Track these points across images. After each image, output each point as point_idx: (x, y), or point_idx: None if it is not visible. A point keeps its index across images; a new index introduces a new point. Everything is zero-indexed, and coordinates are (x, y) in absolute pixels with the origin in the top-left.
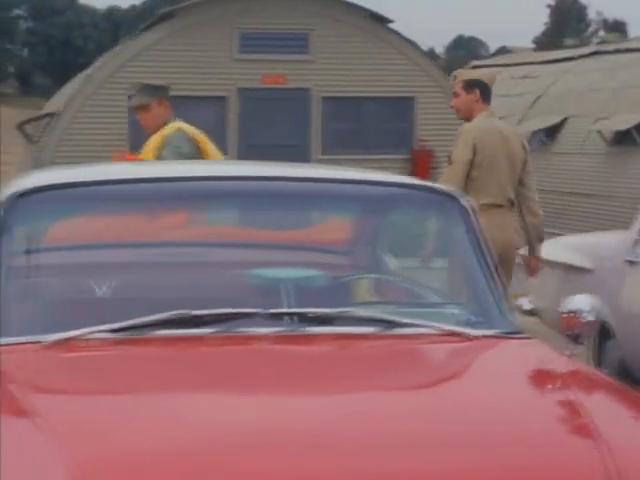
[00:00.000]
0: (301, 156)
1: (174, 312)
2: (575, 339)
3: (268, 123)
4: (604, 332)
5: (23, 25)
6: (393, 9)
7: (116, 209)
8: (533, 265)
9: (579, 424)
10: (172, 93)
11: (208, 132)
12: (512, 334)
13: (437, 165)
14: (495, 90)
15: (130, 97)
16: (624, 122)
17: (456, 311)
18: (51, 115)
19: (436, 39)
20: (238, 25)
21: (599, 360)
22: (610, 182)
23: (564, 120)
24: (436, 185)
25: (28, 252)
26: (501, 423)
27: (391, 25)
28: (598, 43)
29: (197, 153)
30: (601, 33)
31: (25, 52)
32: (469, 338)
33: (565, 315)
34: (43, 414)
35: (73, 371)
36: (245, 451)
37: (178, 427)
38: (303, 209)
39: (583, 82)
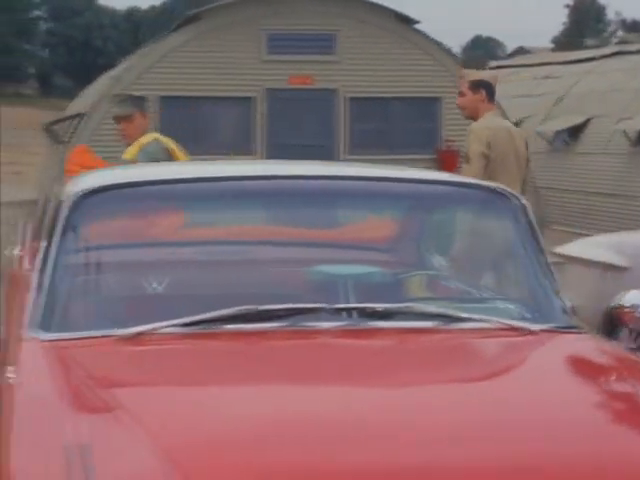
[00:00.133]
0: (327, 156)
1: (242, 307)
2: (632, 333)
3: (295, 123)
4: None
5: (43, 26)
6: (410, 9)
7: (176, 207)
8: None
9: None
10: (200, 94)
11: (236, 132)
12: (568, 328)
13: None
14: (516, 90)
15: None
16: None
17: (511, 306)
18: (79, 116)
19: (453, 39)
20: (265, 26)
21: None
22: (634, 182)
23: (587, 120)
24: (489, 183)
25: (92, 249)
26: (563, 415)
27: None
28: (617, 43)
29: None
30: (620, 33)
31: (45, 53)
32: (528, 332)
33: (626, 310)
34: (125, 405)
35: (147, 364)
36: (315, 441)
37: (251, 417)
38: (357, 207)
39: (605, 82)
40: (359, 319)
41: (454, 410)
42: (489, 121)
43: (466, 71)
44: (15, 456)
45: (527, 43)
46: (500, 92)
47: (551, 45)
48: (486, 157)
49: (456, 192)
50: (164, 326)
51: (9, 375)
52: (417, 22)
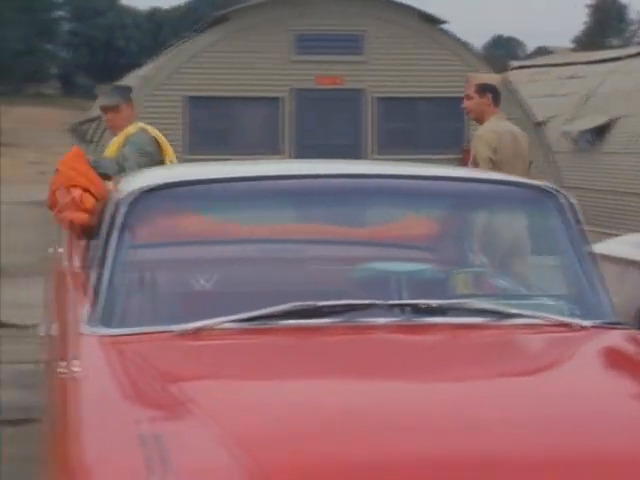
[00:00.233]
0: (355, 156)
1: (299, 303)
2: None
3: (322, 123)
4: None
5: (65, 26)
6: (430, 10)
7: (234, 206)
8: None
9: None
10: (228, 94)
11: (264, 132)
12: (616, 325)
13: None
14: (541, 90)
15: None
16: None
17: (560, 303)
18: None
19: (474, 39)
20: (293, 27)
21: None
22: None
23: (613, 120)
24: (533, 182)
25: (149, 247)
26: (615, 410)
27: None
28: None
29: (158, 153)
30: None
31: (67, 53)
32: (578, 328)
33: None
34: (193, 398)
35: (208, 358)
36: (377, 433)
37: (315, 410)
38: (404, 205)
39: (631, 82)
40: (412, 315)
41: (508, 404)
42: (495, 125)
43: (472, 75)
44: (89, 446)
45: (547, 43)
46: (525, 92)
47: (572, 45)
48: (493, 161)
49: (504, 190)
50: (223, 322)
51: (74, 369)
52: (444, 22)
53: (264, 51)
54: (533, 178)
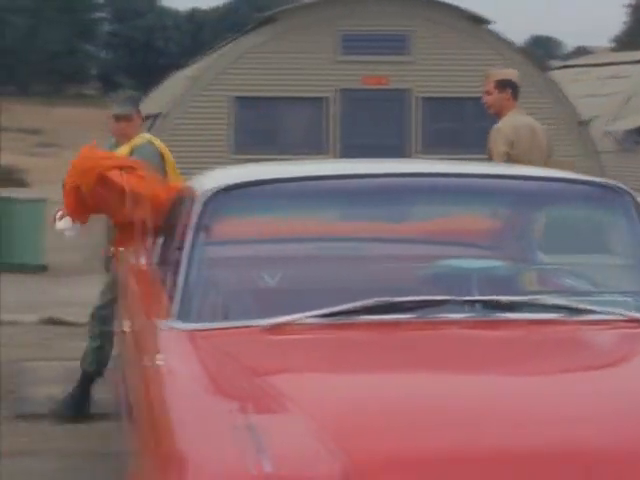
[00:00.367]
0: (401, 156)
1: (378, 299)
2: None
3: (368, 123)
4: None
5: (105, 27)
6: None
7: (305, 204)
8: None
9: None
10: (274, 94)
11: (309, 132)
12: None
13: None
14: (583, 90)
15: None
16: None
17: (629, 300)
18: (154, 116)
19: (512, 39)
20: (340, 27)
21: None
22: None
23: None
24: (601, 180)
25: (226, 244)
26: None
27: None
28: None
29: (162, 166)
30: None
31: (107, 54)
32: None
33: None
34: (280, 390)
35: (291, 352)
36: (459, 426)
37: (399, 402)
38: (474, 203)
39: None
40: (486, 311)
41: (583, 398)
42: (514, 119)
43: (491, 70)
44: (185, 437)
45: (586, 42)
46: (567, 92)
47: (611, 44)
48: (509, 155)
49: (569, 189)
50: (305, 317)
51: (160, 363)
52: (489, 22)
53: (310, 51)
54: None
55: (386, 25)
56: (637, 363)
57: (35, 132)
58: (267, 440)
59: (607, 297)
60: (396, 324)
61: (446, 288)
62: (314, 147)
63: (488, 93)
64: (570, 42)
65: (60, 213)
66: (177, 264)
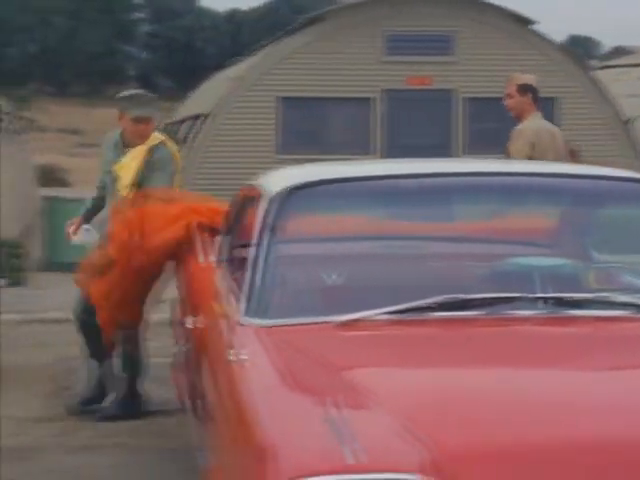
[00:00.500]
0: (445, 156)
1: (448, 296)
2: None
3: (412, 124)
4: None
5: (144, 28)
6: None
7: (373, 203)
8: None
9: None
10: (319, 95)
11: (354, 132)
12: None
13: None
14: (625, 90)
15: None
16: None
17: None
18: (199, 117)
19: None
20: (385, 28)
21: None
22: None
23: None
24: None
25: (299, 242)
26: None
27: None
28: None
29: (174, 171)
30: None
31: (146, 55)
32: None
33: None
34: (361, 384)
35: (366, 347)
36: (534, 416)
37: (474, 396)
38: (536, 202)
39: None
40: (555, 307)
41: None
42: (535, 122)
43: (513, 75)
44: (273, 430)
45: (624, 42)
46: (611, 92)
47: None
48: (528, 157)
49: (628, 187)
50: (377, 313)
51: (241, 357)
52: (534, 22)
53: (356, 52)
54: None
55: (431, 26)
56: None
57: (75, 132)
58: (355, 432)
59: None
60: (466, 321)
61: (512, 285)
62: (359, 147)
63: (510, 96)
64: (608, 42)
65: (73, 227)
66: (248, 262)
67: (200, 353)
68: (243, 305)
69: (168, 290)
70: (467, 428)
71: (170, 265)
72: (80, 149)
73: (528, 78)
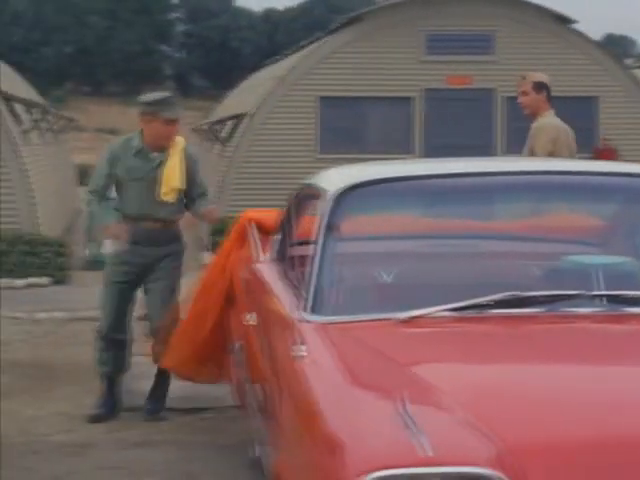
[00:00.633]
0: (485, 155)
1: (508, 293)
2: None
3: (452, 123)
4: None
5: (180, 28)
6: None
7: (431, 202)
8: None
9: None
10: (359, 94)
11: (394, 132)
12: None
13: None
14: None
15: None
16: None
17: None
18: (239, 116)
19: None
20: (424, 27)
21: None
22: None
23: None
24: None
25: (356, 240)
26: None
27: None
28: None
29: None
30: None
31: (182, 54)
32: None
33: None
34: (426, 379)
35: (428, 343)
36: (601, 412)
37: (539, 392)
38: (591, 201)
39: None
40: (613, 305)
41: None
42: (553, 119)
43: (528, 73)
44: (346, 424)
45: None
46: None
47: None
48: (551, 153)
49: None
50: (439, 310)
51: (306, 353)
52: (574, 21)
53: (395, 51)
54: None
55: (470, 25)
56: None
57: (112, 132)
58: (423, 427)
59: None
60: (525, 318)
61: (570, 283)
62: (399, 147)
63: (525, 94)
64: None
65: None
66: (310, 259)
67: (261, 350)
68: (305, 302)
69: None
70: (531, 423)
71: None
72: None
73: (542, 76)
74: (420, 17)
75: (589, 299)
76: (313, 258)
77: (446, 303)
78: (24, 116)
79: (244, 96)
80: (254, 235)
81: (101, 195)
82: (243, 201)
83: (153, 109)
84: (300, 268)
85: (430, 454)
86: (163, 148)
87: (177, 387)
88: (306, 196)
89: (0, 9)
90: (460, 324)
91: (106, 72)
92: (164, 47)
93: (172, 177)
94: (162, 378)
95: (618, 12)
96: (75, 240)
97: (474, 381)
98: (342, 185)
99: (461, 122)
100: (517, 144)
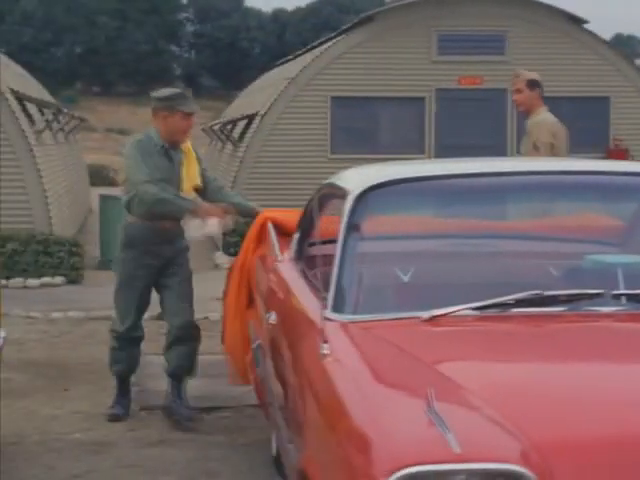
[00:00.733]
0: (497, 155)
1: (531, 292)
2: None
3: (464, 123)
4: None
5: (190, 28)
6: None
7: (452, 201)
8: None
9: None
10: (370, 94)
11: (405, 132)
12: None
13: None
14: None
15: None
16: None
17: None
18: (250, 116)
19: None
20: (436, 27)
21: None
22: None
23: None
24: None
25: (380, 239)
26: None
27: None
28: None
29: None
30: None
31: (191, 54)
32: None
33: None
34: (452, 377)
35: (452, 341)
36: (623, 410)
37: (565, 389)
38: (610, 200)
39: None
40: (635, 304)
41: None
42: (549, 115)
43: (521, 71)
44: (373, 422)
45: None
46: None
47: None
48: (553, 147)
49: None
50: (462, 309)
51: (333, 352)
52: (586, 22)
53: (407, 52)
54: None
55: (482, 25)
56: None
57: (121, 132)
58: (452, 424)
59: None
60: (548, 316)
61: (592, 282)
62: (410, 147)
63: (519, 91)
64: None
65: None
66: (334, 258)
67: (282, 349)
68: (328, 301)
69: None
70: (557, 421)
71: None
72: None
73: (534, 74)
74: (432, 17)
75: (611, 298)
76: (339, 257)
77: (468, 302)
78: (36, 116)
79: (255, 96)
80: (272, 234)
81: (157, 181)
82: (255, 201)
83: (170, 104)
84: (321, 267)
85: (458, 451)
86: (179, 143)
87: (194, 386)
88: (326, 196)
89: (10, 9)
90: (483, 323)
91: (115, 72)
92: (173, 47)
93: (193, 175)
94: (178, 380)
95: (626, 12)
96: (88, 240)
97: (499, 379)
98: (363, 185)
99: (472, 122)
100: None
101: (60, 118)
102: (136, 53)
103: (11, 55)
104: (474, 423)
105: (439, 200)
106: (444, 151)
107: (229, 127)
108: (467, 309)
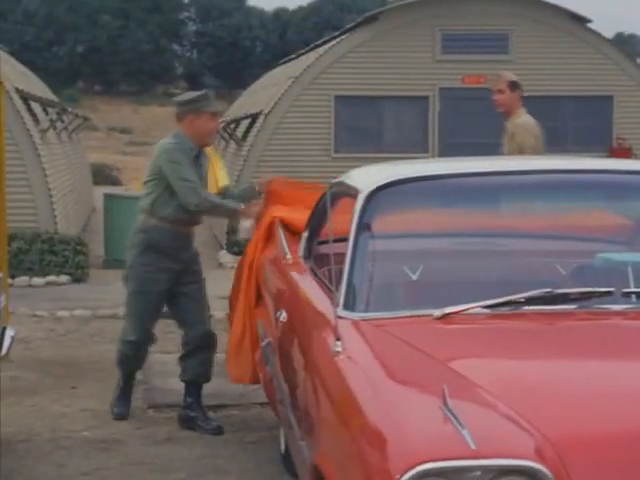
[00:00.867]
0: (501, 155)
1: (542, 290)
2: None
3: (468, 122)
4: None
5: (192, 27)
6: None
7: (463, 200)
8: None
9: None
10: (374, 93)
11: (409, 131)
12: None
13: None
14: None
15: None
16: None
17: None
18: (253, 115)
19: None
20: (440, 26)
21: None
22: None
23: None
24: None
25: (388, 238)
26: None
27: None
28: None
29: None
30: None
31: (193, 53)
32: None
33: None
34: (464, 374)
35: (464, 339)
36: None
37: (578, 386)
38: (620, 199)
39: None
40: None
41: None
42: (529, 117)
43: (502, 72)
44: (391, 417)
45: None
46: None
47: None
48: (535, 149)
49: None
50: (474, 307)
51: (346, 349)
52: (589, 21)
53: (411, 51)
54: None
55: (486, 24)
56: None
57: (125, 131)
58: (466, 420)
59: None
60: (560, 314)
61: (603, 280)
62: (414, 146)
63: (500, 92)
64: None
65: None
66: (346, 257)
67: (295, 346)
68: (339, 299)
69: None
70: (571, 418)
71: None
72: (131, 147)
73: (514, 76)
74: (435, 16)
75: (621, 296)
76: (346, 255)
77: (479, 300)
78: (41, 115)
79: (258, 95)
80: (281, 233)
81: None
82: (258, 200)
83: (195, 106)
84: (336, 265)
85: (473, 447)
86: (207, 145)
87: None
88: (336, 194)
89: (12, 8)
90: (495, 321)
91: (118, 71)
92: (176, 46)
93: (220, 178)
94: (197, 387)
95: (627, 11)
96: (92, 238)
97: (512, 376)
98: (374, 184)
99: (476, 121)
100: None
101: (64, 117)
102: (138, 52)
103: (13, 54)
104: (489, 420)
105: (449, 199)
106: (448, 150)
107: (232, 126)
108: (479, 307)
